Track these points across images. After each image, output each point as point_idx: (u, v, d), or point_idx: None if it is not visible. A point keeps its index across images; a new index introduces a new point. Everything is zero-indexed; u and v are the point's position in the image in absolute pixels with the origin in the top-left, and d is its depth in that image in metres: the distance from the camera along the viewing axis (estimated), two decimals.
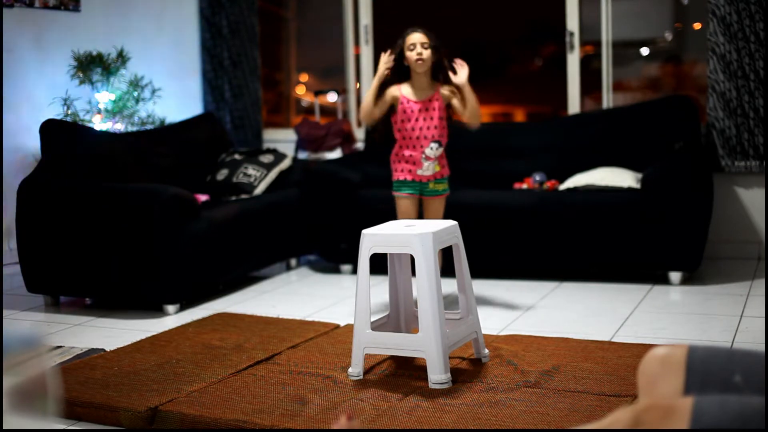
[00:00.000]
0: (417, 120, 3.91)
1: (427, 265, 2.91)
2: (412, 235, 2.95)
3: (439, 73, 3.94)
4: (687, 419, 1.33)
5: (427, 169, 3.92)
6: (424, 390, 2.87)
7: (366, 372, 3.08)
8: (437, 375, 2.88)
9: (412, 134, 3.92)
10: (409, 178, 3.96)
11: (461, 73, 3.90)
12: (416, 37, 3.88)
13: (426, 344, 2.89)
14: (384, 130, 4.06)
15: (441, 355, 2.88)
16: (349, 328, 3.63)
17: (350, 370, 3.05)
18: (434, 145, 3.91)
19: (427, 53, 3.87)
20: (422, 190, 3.98)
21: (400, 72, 3.95)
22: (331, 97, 6.10)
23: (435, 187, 3.98)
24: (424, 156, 3.91)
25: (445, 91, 3.96)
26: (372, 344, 3.02)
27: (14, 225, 4.36)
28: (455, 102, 3.97)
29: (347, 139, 5.83)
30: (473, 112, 3.93)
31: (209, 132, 5.52)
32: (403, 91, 3.95)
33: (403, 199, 3.98)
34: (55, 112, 5.12)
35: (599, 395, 2.77)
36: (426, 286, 2.90)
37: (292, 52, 6.86)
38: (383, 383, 2.96)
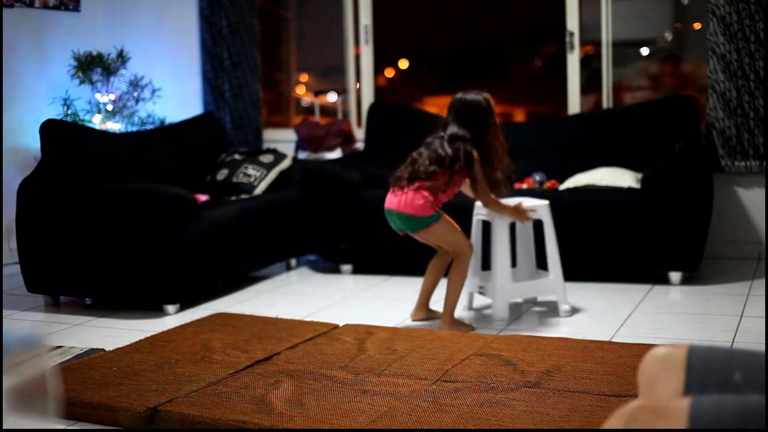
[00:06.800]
0: None
1: (551, 228, 3.92)
2: (542, 204, 3.94)
3: None
4: (685, 420, 1.33)
5: None
6: (424, 390, 2.87)
7: (366, 372, 3.08)
8: (565, 306, 3.90)
9: None
10: None
11: None
12: None
13: (556, 287, 3.92)
14: None
15: (564, 293, 3.95)
16: (348, 327, 3.64)
17: (498, 315, 3.83)
18: None
19: None
20: None
21: None
22: (331, 97, 6.10)
23: None
24: None
25: None
26: (513, 295, 3.91)
27: (14, 225, 4.36)
28: None
29: (347, 139, 5.83)
30: None
31: (209, 132, 5.51)
32: None
33: None
34: (55, 112, 5.13)
35: (599, 395, 2.77)
36: (553, 246, 3.91)
37: (292, 52, 6.86)
38: (383, 383, 2.96)
